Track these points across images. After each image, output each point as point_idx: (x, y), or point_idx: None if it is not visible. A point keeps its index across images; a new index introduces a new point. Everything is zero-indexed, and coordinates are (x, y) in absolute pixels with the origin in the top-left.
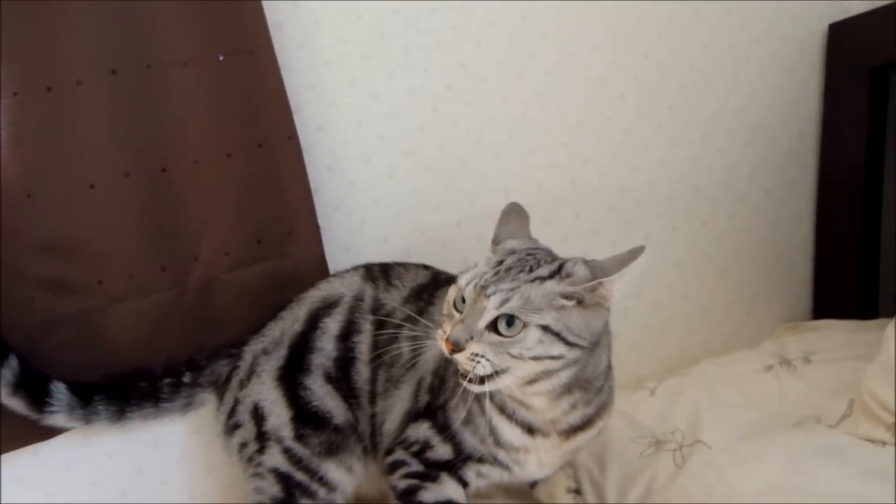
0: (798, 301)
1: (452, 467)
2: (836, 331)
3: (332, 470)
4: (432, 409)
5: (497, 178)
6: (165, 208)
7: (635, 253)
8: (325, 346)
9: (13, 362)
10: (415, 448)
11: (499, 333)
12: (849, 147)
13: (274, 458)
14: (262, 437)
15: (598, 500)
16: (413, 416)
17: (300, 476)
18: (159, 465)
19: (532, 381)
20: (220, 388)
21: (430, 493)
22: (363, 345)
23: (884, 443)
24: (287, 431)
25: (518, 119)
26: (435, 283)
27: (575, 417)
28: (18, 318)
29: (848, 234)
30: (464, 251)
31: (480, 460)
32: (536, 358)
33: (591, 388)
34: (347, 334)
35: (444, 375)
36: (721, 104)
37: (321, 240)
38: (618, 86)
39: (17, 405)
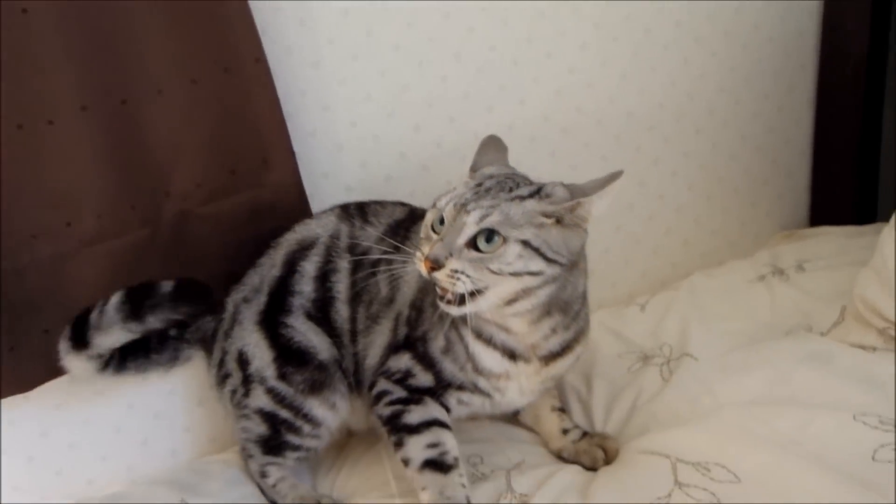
0: (795, 209)
1: (434, 394)
2: (833, 237)
3: (316, 407)
4: (411, 340)
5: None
6: (130, 143)
7: (613, 176)
8: (304, 288)
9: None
10: (397, 376)
11: (478, 250)
12: (850, 47)
13: (258, 398)
14: (247, 381)
15: (585, 418)
16: (393, 348)
17: (285, 413)
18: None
19: (511, 301)
20: (208, 343)
21: (414, 414)
22: (341, 284)
23: (874, 348)
24: (270, 372)
25: (521, 44)
26: (412, 217)
27: (554, 342)
28: None
29: (848, 138)
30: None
31: (461, 388)
32: (516, 274)
33: (569, 311)
34: (325, 275)
35: (422, 307)
36: (717, 3)
37: (297, 166)
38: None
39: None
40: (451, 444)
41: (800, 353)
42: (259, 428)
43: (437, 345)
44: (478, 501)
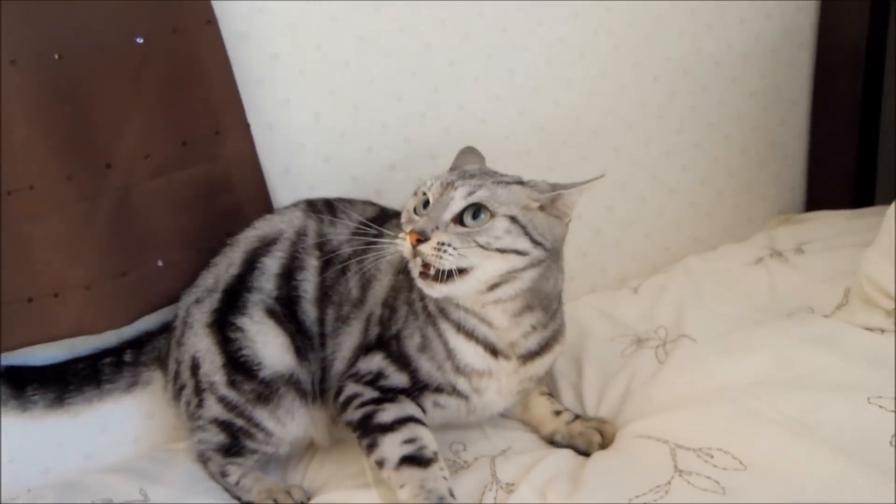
0: (791, 192)
1: (409, 396)
2: (831, 220)
3: (266, 419)
4: (384, 339)
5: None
6: (65, 104)
7: (594, 179)
8: (265, 285)
9: None
10: (368, 378)
11: (464, 226)
12: (850, 24)
13: (211, 408)
14: (199, 390)
15: (577, 404)
16: (364, 349)
17: (240, 422)
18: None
19: (494, 286)
20: (163, 361)
21: (388, 412)
22: (308, 283)
23: (882, 330)
24: (219, 377)
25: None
26: (383, 216)
27: (533, 341)
28: None
29: (846, 120)
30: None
31: (438, 389)
32: (502, 250)
33: (549, 308)
34: (290, 272)
35: (395, 305)
36: None
37: (252, 138)
38: None
39: None
40: (428, 438)
41: (804, 334)
42: (216, 437)
43: (412, 342)
44: (460, 493)
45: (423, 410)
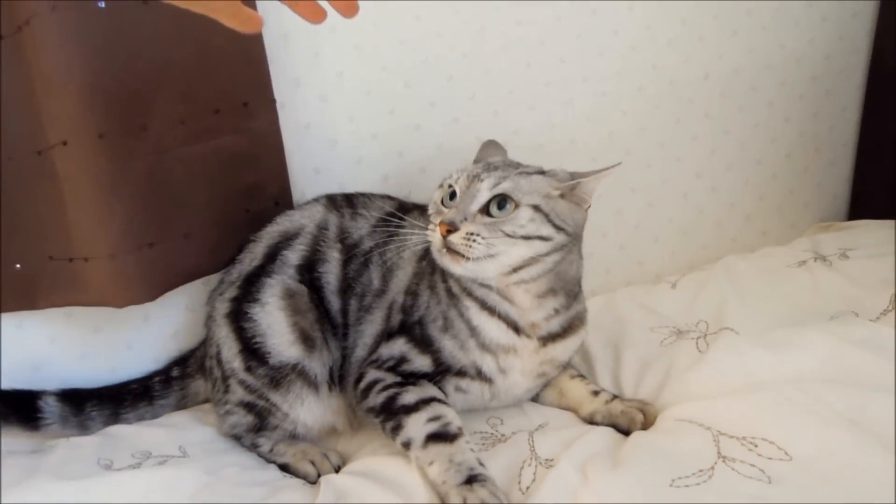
0: (834, 200)
1: (431, 380)
2: (875, 228)
3: (281, 402)
4: (406, 325)
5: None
6: (105, 56)
7: (611, 167)
8: (284, 271)
9: None
10: (389, 363)
11: (490, 217)
12: None
13: (236, 391)
14: (224, 377)
15: (614, 387)
16: (386, 336)
17: (261, 402)
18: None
19: (518, 269)
20: (202, 366)
21: (410, 394)
22: (331, 275)
23: None
24: (238, 363)
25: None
26: (402, 210)
27: (555, 324)
28: None
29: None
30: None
31: (460, 373)
32: (527, 237)
33: (571, 292)
34: (312, 265)
35: (417, 291)
36: None
37: (277, 115)
38: None
39: (10, 429)
40: (452, 415)
41: (849, 336)
42: (245, 419)
43: (435, 325)
44: (497, 465)
45: (446, 395)
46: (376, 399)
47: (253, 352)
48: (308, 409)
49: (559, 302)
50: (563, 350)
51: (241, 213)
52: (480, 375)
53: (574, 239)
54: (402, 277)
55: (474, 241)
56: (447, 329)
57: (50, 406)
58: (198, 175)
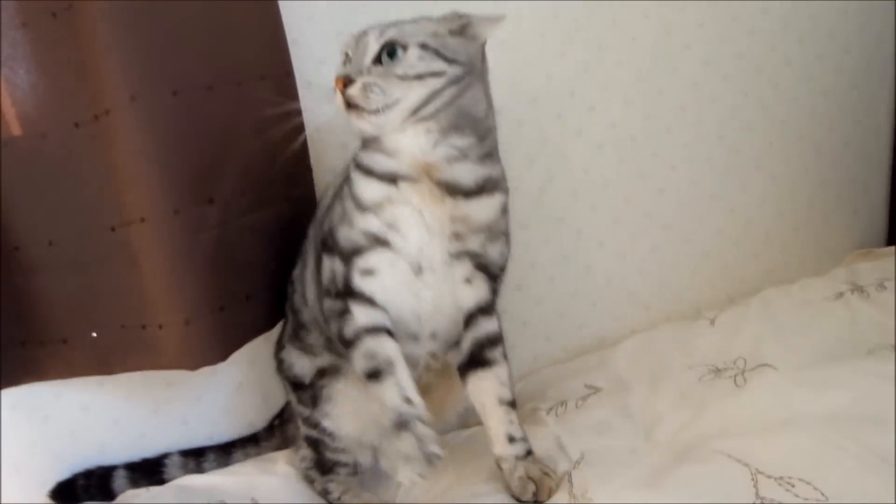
0: (871, 227)
1: (347, 283)
2: None
3: (322, 418)
4: (325, 242)
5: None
6: (178, 139)
7: (500, 17)
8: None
9: (120, 472)
10: (330, 287)
11: (383, 65)
12: None
13: (301, 427)
14: (292, 413)
15: (648, 414)
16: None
17: (315, 433)
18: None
19: (419, 109)
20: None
21: (348, 326)
22: (307, 269)
23: None
24: (293, 397)
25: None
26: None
27: (463, 171)
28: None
29: None
30: None
31: (356, 251)
32: (420, 76)
33: (482, 137)
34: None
35: (332, 205)
36: (792, 5)
37: (314, 182)
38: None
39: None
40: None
41: (885, 372)
42: (309, 454)
43: (335, 218)
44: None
45: (361, 290)
46: (334, 329)
47: (298, 382)
48: (335, 405)
49: (465, 142)
50: (477, 209)
51: (289, 274)
52: (377, 241)
53: (472, 73)
54: (317, 233)
55: (372, 90)
56: (343, 217)
57: (174, 463)
58: (257, 240)
